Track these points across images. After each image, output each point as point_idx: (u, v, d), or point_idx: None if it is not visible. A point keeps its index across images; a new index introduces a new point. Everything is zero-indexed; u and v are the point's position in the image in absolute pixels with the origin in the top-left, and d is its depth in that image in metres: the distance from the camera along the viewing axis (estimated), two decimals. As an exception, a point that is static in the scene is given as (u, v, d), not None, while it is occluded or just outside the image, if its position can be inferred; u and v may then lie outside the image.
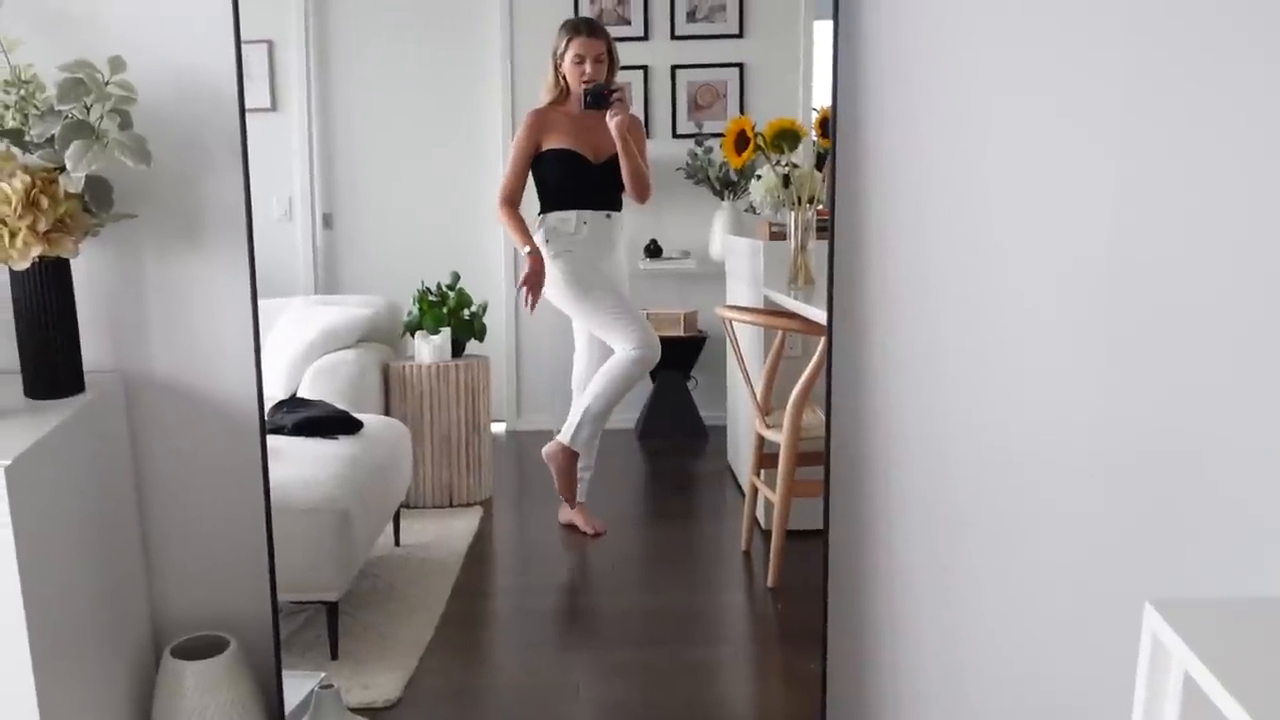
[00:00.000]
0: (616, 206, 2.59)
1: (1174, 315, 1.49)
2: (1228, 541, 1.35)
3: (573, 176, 2.57)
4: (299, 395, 2.59)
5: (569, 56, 2.50)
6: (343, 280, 2.75)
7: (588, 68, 2.50)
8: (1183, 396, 1.46)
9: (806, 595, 2.38)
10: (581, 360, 2.65)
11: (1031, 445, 1.86)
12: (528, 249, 2.54)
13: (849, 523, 2.18)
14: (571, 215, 2.57)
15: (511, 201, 2.56)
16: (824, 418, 2.16)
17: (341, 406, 2.56)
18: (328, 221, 2.72)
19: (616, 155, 2.52)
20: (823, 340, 2.25)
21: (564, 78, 2.52)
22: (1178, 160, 1.47)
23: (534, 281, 2.54)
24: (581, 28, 2.52)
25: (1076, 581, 1.77)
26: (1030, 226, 1.82)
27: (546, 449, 2.66)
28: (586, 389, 2.63)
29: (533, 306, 2.56)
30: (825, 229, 2.45)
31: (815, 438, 2.38)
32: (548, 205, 2.57)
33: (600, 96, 2.49)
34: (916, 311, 2.03)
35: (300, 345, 2.62)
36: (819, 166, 2.49)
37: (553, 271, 2.56)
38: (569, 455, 2.65)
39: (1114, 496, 1.65)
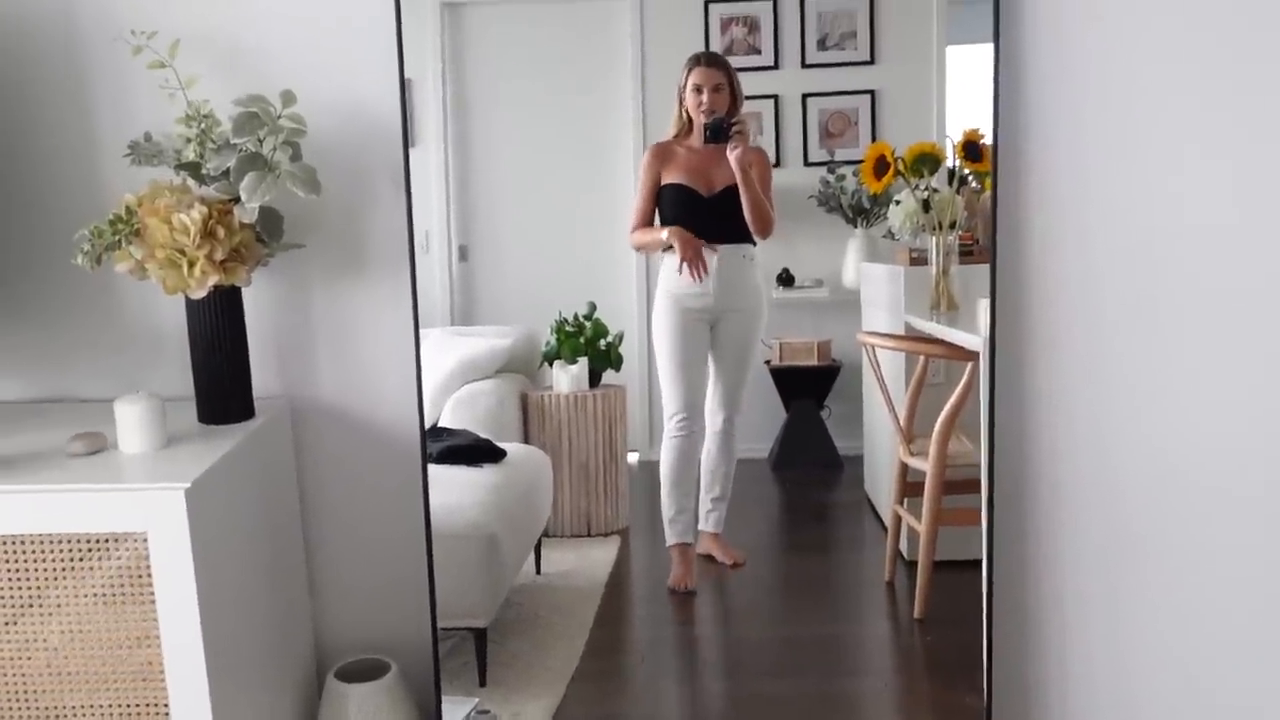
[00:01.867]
0: (738, 239, 2.57)
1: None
2: None
3: (685, 210, 2.57)
4: (440, 425, 2.62)
5: (689, 87, 2.52)
6: (479, 311, 2.77)
7: (705, 97, 2.50)
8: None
9: (955, 626, 2.34)
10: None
11: (1207, 465, 1.82)
12: (665, 233, 2.55)
13: (1012, 549, 2.14)
14: (706, 251, 2.57)
15: (641, 229, 2.58)
16: (969, 445, 2.13)
17: (483, 435, 2.58)
18: (464, 254, 2.75)
19: (734, 188, 2.51)
20: (969, 366, 2.22)
21: (686, 111, 2.53)
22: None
23: (690, 253, 2.54)
24: (701, 59, 2.53)
25: (1255, 605, 1.72)
26: (1204, 245, 1.78)
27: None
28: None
29: (700, 274, 2.56)
30: (968, 253, 2.43)
31: (962, 465, 2.34)
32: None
33: (720, 129, 2.49)
34: (1081, 333, 2.00)
35: (440, 375, 2.65)
36: (958, 190, 2.46)
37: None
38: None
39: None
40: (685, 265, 2.54)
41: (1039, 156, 1.98)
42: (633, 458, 2.83)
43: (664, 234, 2.55)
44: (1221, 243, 1.76)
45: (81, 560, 1.68)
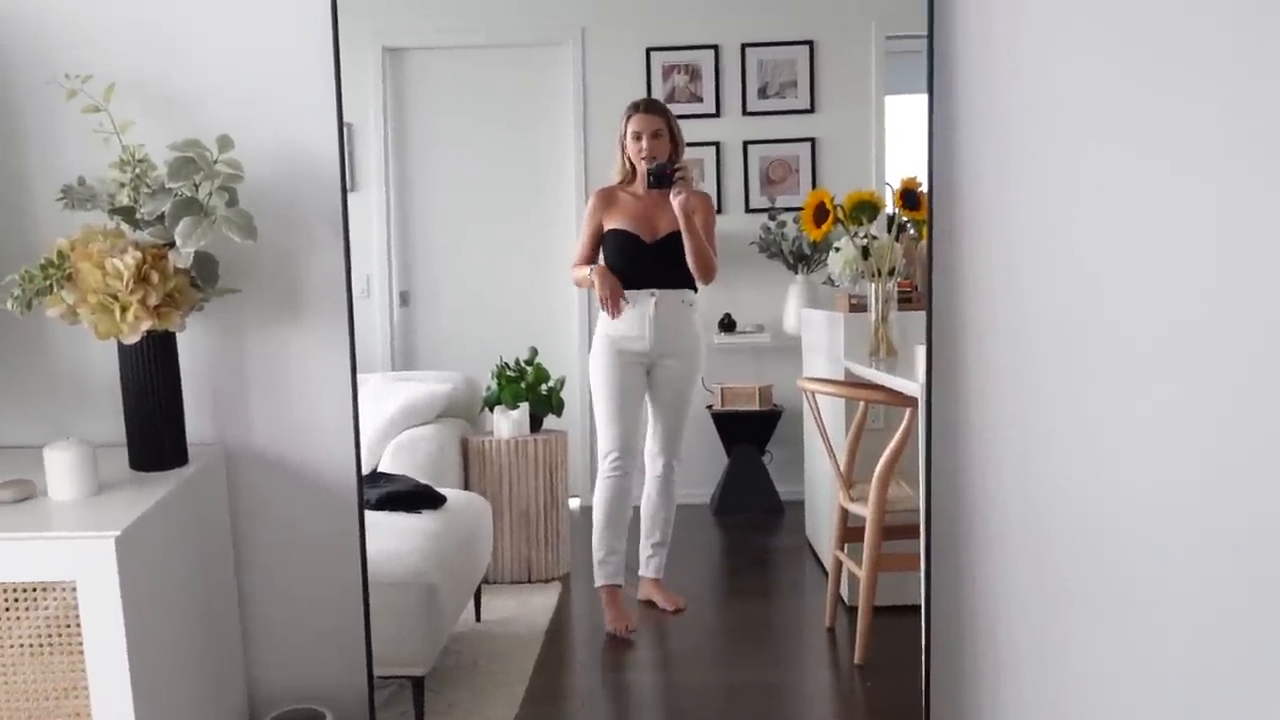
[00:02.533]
0: (680, 284, 2.59)
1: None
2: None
3: (628, 255, 2.58)
4: (380, 470, 2.60)
5: (629, 134, 2.54)
6: (420, 356, 2.77)
7: (645, 143, 2.53)
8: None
9: (895, 672, 2.35)
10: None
11: (1132, 512, 1.84)
12: (589, 269, 2.56)
13: (949, 594, 2.15)
14: (641, 294, 2.58)
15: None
16: (908, 490, 2.14)
17: (423, 481, 2.56)
18: (405, 299, 2.75)
19: (677, 234, 2.53)
20: (908, 412, 2.24)
21: (628, 158, 2.55)
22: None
23: (606, 291, 2.56)
24: (639, 106, 2.56)
25: (1189, 656, 1.73)
26: (1131, 290, 1.82)
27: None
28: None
29: (614, 310, 2.56)
30: (906, 300, 2.46)
31: (901, 510, 2.35)
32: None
33: (663, 176, 2.51)
34: (1015, 379, 2.02)
35: (381, 421, 2.64)
36: (897, 238, 2.50)
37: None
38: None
39: (1229, 567, 1.63)
40: (603, 305, 2.55)
41: (970, 204, 2.01)
42: (574, 503, 2.82)
43: (587, 270, 2.56)
44: (1145, 289, 1.79)
45: (8, 610, 1.64)
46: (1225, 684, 1.66)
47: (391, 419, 2.65)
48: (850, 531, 2.55)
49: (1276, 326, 1.55)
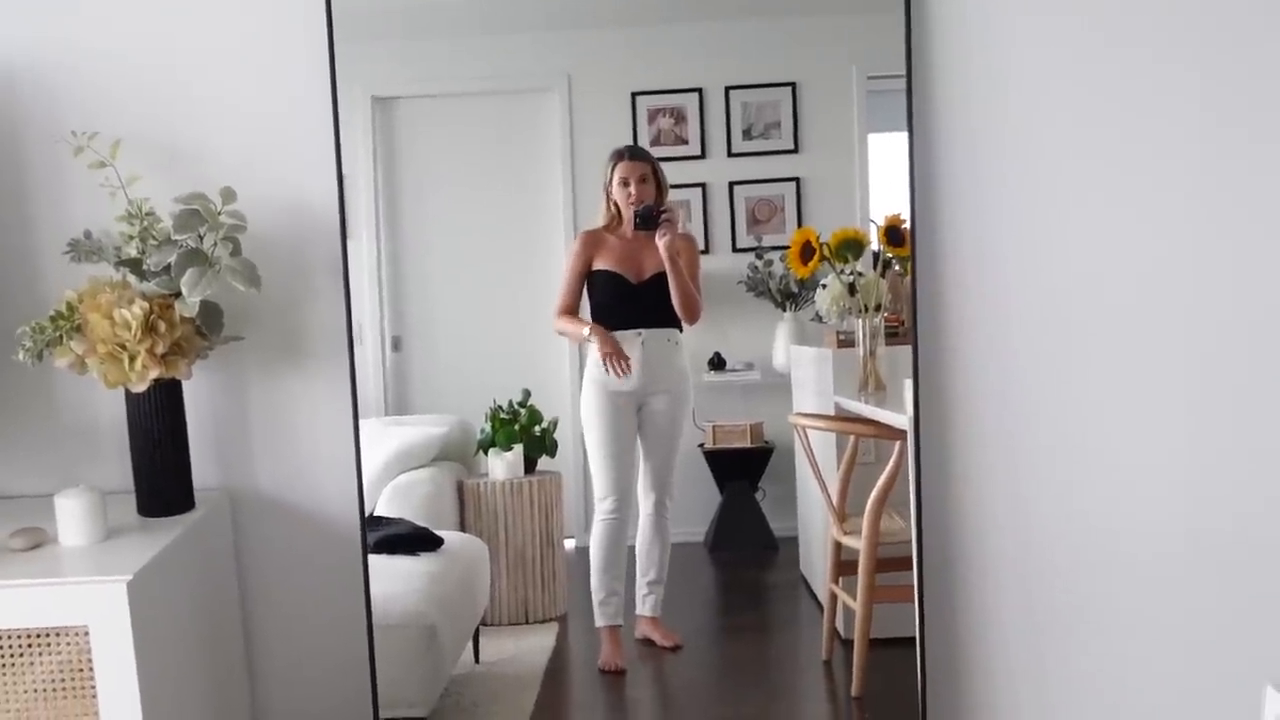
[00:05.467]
0: (666, 324, 2.63)
1: (1269, 399, 1.52)
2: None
3: (614, 296, 2.62)
4: (377, 514, 2.61)
5: (615, 180, 2.59)
6: (413, 400, 2.79)
7: (632, 189, 2.58)
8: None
9: (892, 703, 2.37)
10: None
11: (1124, 540, 1.88)
12: (586, 330, 2.59)
13: (943, 625, 2.19)
14: (628, 334, 2.61)
15: (566, 315, 2.63)
16: (901, 522, 2.18)
17: (420, 524, 2.58)
18: (397, 344, 2.77)
19: (664, 275, 2.57)
20: (898, 445, 2.28)
21: (615, 203, 2.60)
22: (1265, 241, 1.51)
23: (608, 349, 2.59)
24: (624, 153, 2.60)
25: (1189, 670, 1.77)
26: (1115, 315, 1.86)
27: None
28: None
29: (620, 370, 2.60)
30: (894, 335, 2.50)
31: (894, 543, 2.38)
32: (599, 324, 2.62)
33: (649, 217, 2.55)
34: (1001, 408, 2.07)
35: (376, 465, 2.66)
36: (883, 274, 2.54)
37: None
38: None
39: (1222, 580, 1.66)
40: (605, 361, 2.59)
41: (951, 238, 2.06)
42: (569, 543, 2.84)
43: (585, 330, 2.60)
44: (1128, 315, 1.84)
45: (22, 655, 1.66)
46: (1222, 710, 1.69)
47: (387, 463, 2.68)
48: (844, 565, 2.58)
49: (1264, 352, 1.60)
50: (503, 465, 2.74)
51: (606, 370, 2.60)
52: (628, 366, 2.58)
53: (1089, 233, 1.90)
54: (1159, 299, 1.78)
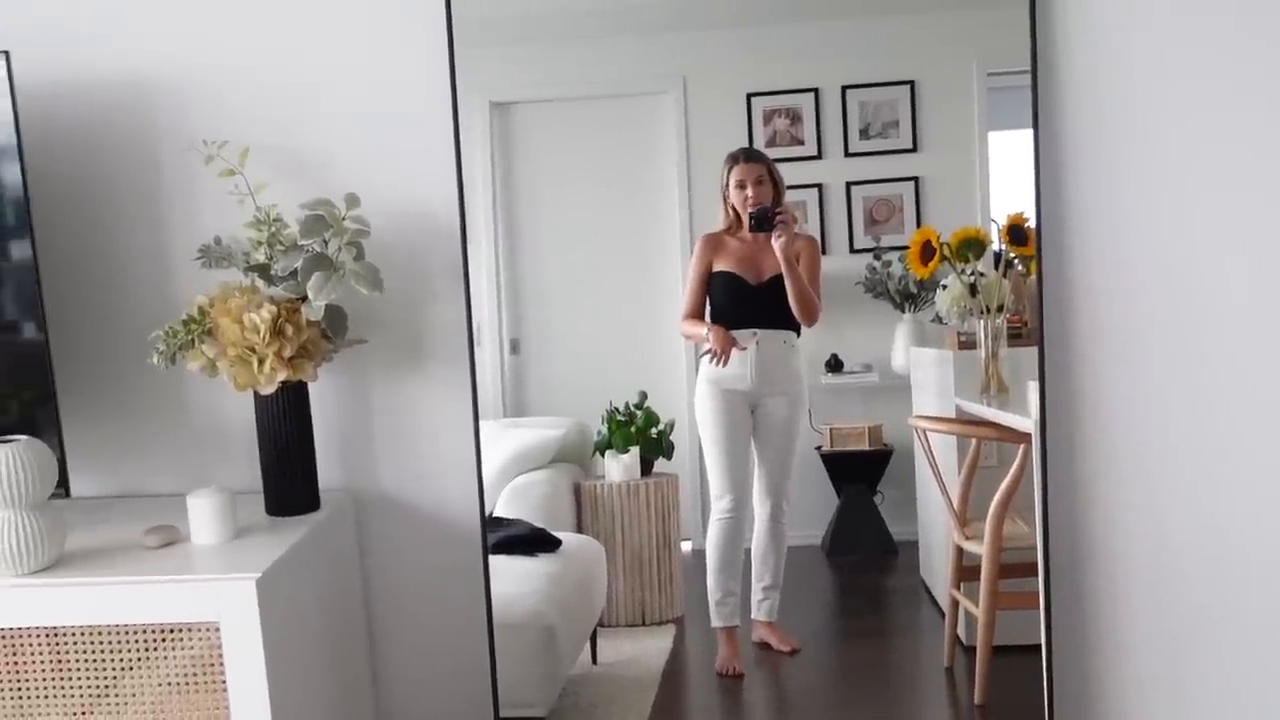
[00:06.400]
0: (783, 325, 2.61)
1: None
2: None
3: (734, 297, 2.61)
4: (496, 514, 2.64)
5: (732, 184, 2.57)
6: (531, 403, 2.81)
7: (749, 191, 2.56)
8: None
9: (1016, 712, 2.32)
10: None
11: (1267, 545, 1.81)
12: (705, 329, 2.59)
13: (1070, 632, 2.14)
14: (745, 334, 2.60)
15: (691, 318, 2.62)
16: (1025, 527, 2.13)
17: (537, 525, 2.60)
18: (515, 346, 2.79)
19: (782, 277, 2.55)
20: (1021, 448, 2.23)
21: (732, 207, 2.59)
22: None
23: (719, 345, 2.58)
24: (740, 156, 2.59)
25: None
26: (1253, 317, 1.80)
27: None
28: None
29: (724, 361, 2.59)
30: (1016, 336, 2.44)
31: (1017, 548, 2.33)
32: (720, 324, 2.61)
33: (765, 219, 2.53)
34: (1133, 410, 2.01)
35: (494, 467, 2.68)
36: (1004, 274, 2.49)
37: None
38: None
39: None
40: (712, 354, 2.58)
41: (1080, 237, 2.01)
42: (686, 546, 2.83)
43: (704, 330, 2.59)
44: (1268, 316, 1.78)
45: (154, 650, 1.72)
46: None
47: (505, 465, 2.70)
48: (966, 570, 2.53)
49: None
50: (619, 467, 2.75)
51: (713, 363, 2.59)
52: (727, 359, 2.57)
53: (1223, 236, 1.84)
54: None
